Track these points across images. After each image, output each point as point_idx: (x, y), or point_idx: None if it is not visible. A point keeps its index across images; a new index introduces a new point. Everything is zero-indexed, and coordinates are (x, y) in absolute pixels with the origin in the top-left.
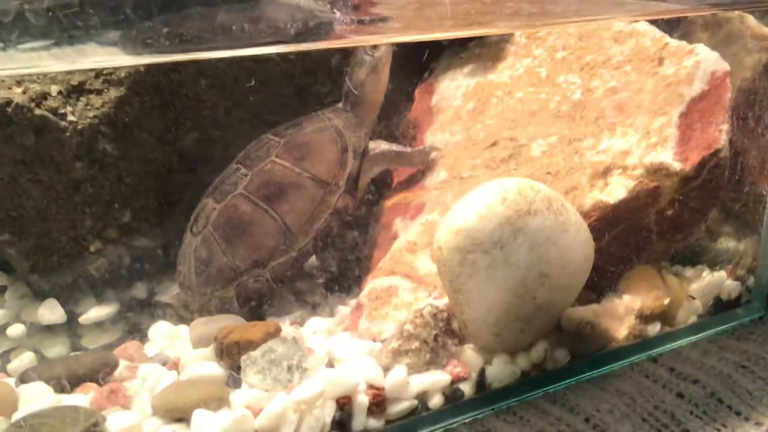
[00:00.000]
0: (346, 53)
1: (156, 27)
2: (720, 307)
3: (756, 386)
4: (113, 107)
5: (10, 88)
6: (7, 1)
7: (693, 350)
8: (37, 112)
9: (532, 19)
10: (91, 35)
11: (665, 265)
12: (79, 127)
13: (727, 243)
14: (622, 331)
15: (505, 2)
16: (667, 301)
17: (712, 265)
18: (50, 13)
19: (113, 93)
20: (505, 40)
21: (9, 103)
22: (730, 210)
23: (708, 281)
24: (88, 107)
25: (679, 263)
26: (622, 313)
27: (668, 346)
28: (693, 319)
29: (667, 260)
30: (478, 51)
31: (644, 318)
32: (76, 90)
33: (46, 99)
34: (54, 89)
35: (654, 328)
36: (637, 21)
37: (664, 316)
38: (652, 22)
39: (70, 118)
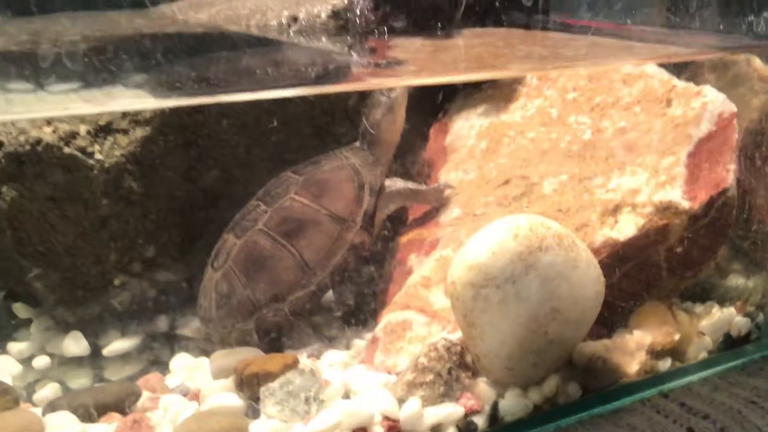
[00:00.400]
0: (363, 94)
1: (184, 71)
2: (730, 343)
3: (765, 422)
4: (139, 146)
5: (40, 128)
6: (50, 48)
7: (703, 386)
8: (66, 150)
9: (544, 63)
10: (120, 78)
11: (675, 301)
12: (106, 165)
13: (736, 280)
14: (633, 366)
15: (517, 46)
16: (677, 337)
17: (722, 302)
18: (86, 59)
19: (139, 132)
20: (517, 81)
21: (39, 142)
22: (739, 248)
23: (718, 318)
24: (115, 146)
25: (689, 300)
26: (633, 349)
27: (679, 381)
28: (703, 355)
29: (677, 297)
30: (491, 92)
31: (655, 353)
32: (103, 129)
33: (75, 138)
34: (83, 129)
35: (665, 364)
36: (645, 64)
37: (675, 351)
38: (660, 64)
39: (98, 156)
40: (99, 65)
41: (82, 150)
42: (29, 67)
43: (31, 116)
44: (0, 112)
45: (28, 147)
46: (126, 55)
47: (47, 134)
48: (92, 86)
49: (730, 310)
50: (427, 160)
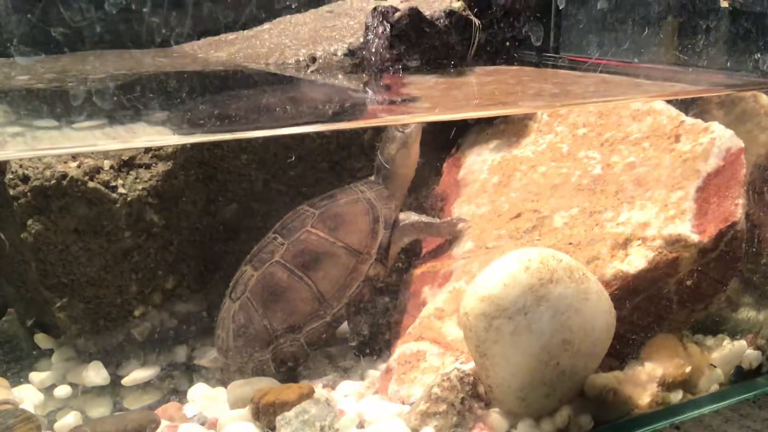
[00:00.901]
0: (379, 130)
1: (206, 108)
2: (741, 375)
3: None
4: (160, 180)
5: (65, 162)
6: (77, 86)
7: (715, 418)
8: (91, 185)
9: (554, 99)
10: (143, 115)
11: (686, 333)
12: (128, 198)
13: (747, 313)
14: (644, 398)
15: (528, 83)
16: (688, 369)
17: (733, 335)
18: (115, 97)
19: (161, 167)
20: (528, 117)
21: (64, 176)
22: (750, 281)
23: (729, 350)
24: (137, 180)
25: (700, 332)
26: (645, 381)
27: (690, 413)
28: (714, 387)
29: (687, 329)
30: (503, 128)
31: (666, 385)
32: (126, 164)
33: (99, 173)
34: (106, 163)
35: (676, 396)
36: (653, 100)
37: (686, 384)
38: (668, 101)
39: (121, 190)
40: (126, 103)
41: (106, 184)
42: (60, 105)
43: (57, 152)
44: (28, 148)
45: (53, 181)
46: (152, 94)
47: (72, 169)
48: (117, 123)
49: (741, 343)
50: (441, 194)
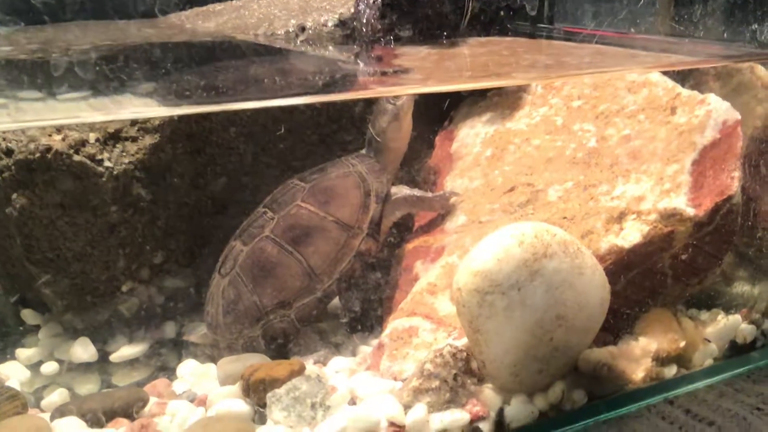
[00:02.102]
0: (370, 102)
1: (193, 79)
2: (735, 350)
3: None
4: (147, 154)
5: (50, 135)
6: (61, 57)
7: (709, 393)
8: (76, 158)
9: (549, 71)
10: (129, 87)
11: (680, 308)
12: (114, 172)
13: (742, 287)
14: (638, 373)
15: (522, 54)
16: (682, 343)
17: (727, 309)
18: (97, 68)
19: (148, 140)
20: (522, 89)
21: (49, 150)
22: (745, 255)
23: (723, 325)
24: (124, 153)
25: (695, 307)
26: (639, 356)
27: (684, 388)
28: (709, 362)
29: (682, 304)
30: (497, 100)
31: (660, 360)
32: (112, 137)
33: (84, 146)
34: (92, 136)
35: (670, 371)
36: (649, 72)
37: (680, 358)
38: (664, 72)
39: (107, 164)
40: (110, 74)
41: (92, 157)
42: (41, 76)
43: (41, 124)
44: (11, 120)
45: (38, 155)
46: (136, 64)
47: (57, 142)
48: (101, 94)
49: (736, 318)
50: (433, 168)
